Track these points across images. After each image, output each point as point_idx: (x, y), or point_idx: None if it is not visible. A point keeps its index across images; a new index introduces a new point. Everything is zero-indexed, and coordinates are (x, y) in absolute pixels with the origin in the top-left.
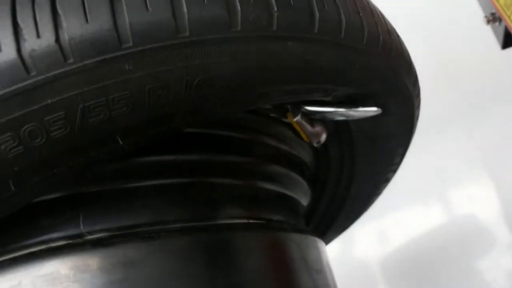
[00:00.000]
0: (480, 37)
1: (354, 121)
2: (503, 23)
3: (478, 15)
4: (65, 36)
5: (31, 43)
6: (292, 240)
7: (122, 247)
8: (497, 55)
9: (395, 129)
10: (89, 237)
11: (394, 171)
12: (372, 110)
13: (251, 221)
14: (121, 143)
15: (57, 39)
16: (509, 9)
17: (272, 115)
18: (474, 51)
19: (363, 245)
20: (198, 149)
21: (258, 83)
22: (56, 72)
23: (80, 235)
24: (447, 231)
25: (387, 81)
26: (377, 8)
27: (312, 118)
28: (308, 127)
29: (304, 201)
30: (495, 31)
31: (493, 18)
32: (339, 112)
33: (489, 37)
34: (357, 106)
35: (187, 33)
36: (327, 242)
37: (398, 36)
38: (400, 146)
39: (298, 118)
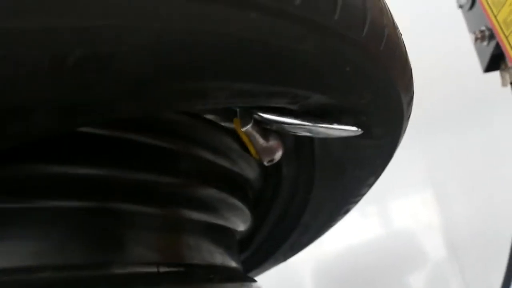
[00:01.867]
0: (448, 55)
1: (321, 138)
2: (491, 44)
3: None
4: None
5: None
6: None
7: None
8: (460, 77)
9: (372, 155)
10: None
11: (357, 202)
12: (351, 129)
13: (162, 269)
14: None
15: None
16: (509, 28)
17: (208, 117)
18: (438, 70)
19: None
20: (94, 159)
21: (193, 74)
22: None
23: None
24: (382, 242)
25: (380, 95)
26: None
27: (266, 128)
28: (260, 141)
29: (242, 228)
30: (479, 52)
31: (482, 37)
32: (306, 126)
33: (456, 55)
34: (331, 122)
35: None
36: (262, 272)
37: (402, 36)
38: (372, 175)
39: (248, 127)
